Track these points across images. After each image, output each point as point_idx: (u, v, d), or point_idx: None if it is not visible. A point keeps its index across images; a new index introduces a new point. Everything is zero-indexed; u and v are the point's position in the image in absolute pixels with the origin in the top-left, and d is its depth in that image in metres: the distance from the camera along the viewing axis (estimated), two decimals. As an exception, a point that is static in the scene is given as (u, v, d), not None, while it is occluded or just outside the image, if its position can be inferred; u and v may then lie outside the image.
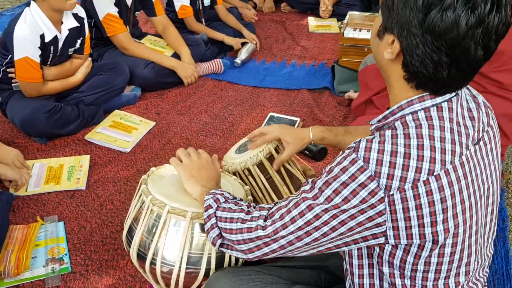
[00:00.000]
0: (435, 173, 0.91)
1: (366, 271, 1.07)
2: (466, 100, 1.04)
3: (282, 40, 3.81)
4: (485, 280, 1.14)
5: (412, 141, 0.93)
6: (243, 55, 3.36)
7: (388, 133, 0.96)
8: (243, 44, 3.43)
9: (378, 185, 0.91)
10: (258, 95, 3.01)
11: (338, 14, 4.17)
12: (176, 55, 3.05)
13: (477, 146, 0.99)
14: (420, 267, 0.98)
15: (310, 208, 0.97)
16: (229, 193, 1.20)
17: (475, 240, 1.01)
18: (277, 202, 1.09)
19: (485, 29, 0.87)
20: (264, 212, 1.06)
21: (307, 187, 1.00)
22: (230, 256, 1.31)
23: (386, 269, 1.02)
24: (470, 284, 1.06)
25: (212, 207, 1.15)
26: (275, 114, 2.74)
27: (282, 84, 3.13)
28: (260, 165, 1.56)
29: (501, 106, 2.12)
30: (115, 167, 2.27)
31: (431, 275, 0.99)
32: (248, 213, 1.09)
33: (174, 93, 2.96)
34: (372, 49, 1.09)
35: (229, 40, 3.41)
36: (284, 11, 4.35)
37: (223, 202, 1.15)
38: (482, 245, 1.06)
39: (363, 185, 0.91)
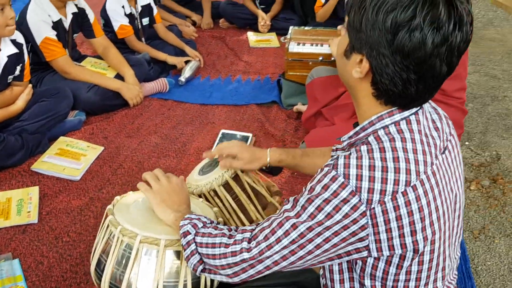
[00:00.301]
0: (411, 184, 0.95)
1: (347, 285, 1.09)
2: (429, 112, 1.09)
3: (224, 56, 3.83)
4: (456, 282, 1.19)
5: (387, 154, 0.96)
6: (187, 72, 3.35)
7: (363, 148, 0.99)
8: (187, 62, 3.42)
9: (359, 200, 0.93)
10: (206, 113, 3.00)
11: (276, 28, 4.25)
12: (119, 76, 2.99)
13: (443, 155, 1.05)
14: (402, 276, 1.01)
15: (294, 227, 0.98)
16: (205, 217, 1.18)
17: (448, 245, 1.06)
18: (258, 223, 1.09)
19: (449, 46, 0.92)
20: (247, 235, 1.06)
21: (289, 206, 1.02)
22: (205, 279, 1.30)
23: (367, 282, 1.05)
24: None
25: (190, 233, 1.13)
26: (227, 131, 2.74)
27: (230, 100, 3.15)
28: (226, 185, 1.56)
29: (445, 112, 2.24)
30: (66, 197, 2.18)
31: (412, 284, 1.03)
32: (230, 236, 1.08)
33: (120, 116, 2.89)
34: (338, 68, 1.12)
35: (172, 59, 3.38)
36: (222, 27, 4.37)
37: (202, 227, 1.14)
38: (452, 249, 1.11)
39: (345, 201, 0.94)
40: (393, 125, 1.01)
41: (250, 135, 2.71)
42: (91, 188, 2.26)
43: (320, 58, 2.88)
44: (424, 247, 0.98)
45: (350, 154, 0.99)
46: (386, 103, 1.02)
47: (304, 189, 1.02)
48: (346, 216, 0.94)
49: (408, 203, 0.94)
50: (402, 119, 1.02)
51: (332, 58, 2.87)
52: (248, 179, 1.60)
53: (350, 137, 1.09)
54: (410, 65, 0.93)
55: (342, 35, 1.10)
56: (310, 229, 0.96)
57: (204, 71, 3.54)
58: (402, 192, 0.94)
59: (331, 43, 2.68)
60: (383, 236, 0.96)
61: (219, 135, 2.71)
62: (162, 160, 2.51)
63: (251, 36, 4.17)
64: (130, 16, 3.31)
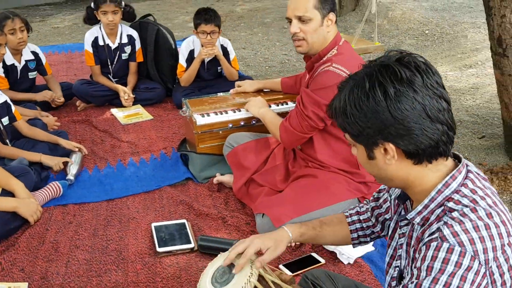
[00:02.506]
0: (511, 233, 1.05)
1: None
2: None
3: (100, 140, 3.52)
4: None
5: (480, 213, 1.04)
6: (73, 168, 2.99)
7: (456, 214, 1.06)
8: (66, 163, 3.03)
9: (479, 263, 0.99)
10: (120, 209, 2.71)
11: (140, 100, 4.07)
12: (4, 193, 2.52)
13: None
14: None
15: None
16: None
17: None
18: None
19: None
20: None
21: None
22: None
23: None
24: None
25: None
26: (158, 223, 2.51)
27: (137, 188, 2.90)
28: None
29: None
30: None
31: None
32: None
33: (25, 238, 2.43)
34: (376, 175, 1.21)
35: (46, 160, 2.97)
36: (81, 109, 4.01)
37: None
38: None
39: (469, 269, 0.98)
40: (462, 187, 1.10)
41: (185, 221, 2.54)
42: None
43: (230, 126, 2.86)
44: None
45: (445, 223, 1.05)
46: (429, 160, 1.11)
47: (419, 271, 1.03)
48: (472, 283, 0.98)
49: None
50: (463, 178, 1.11)
51: (242, 123, 2.88)
52: (269, 276, 1.50)
53: (420, 212, 1.15)
54: (421, 116, 1.07)
55: (355, 150, 1.21)
56: None
57: (88, 162, 3.20)
58: (507, 244, 1.02)
59: (251, 109, 2.73)
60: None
61: (153, 230, 2.46)
62: (105, 277, 2.18)
63: (116, 113, 3.92)
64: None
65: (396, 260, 1.29)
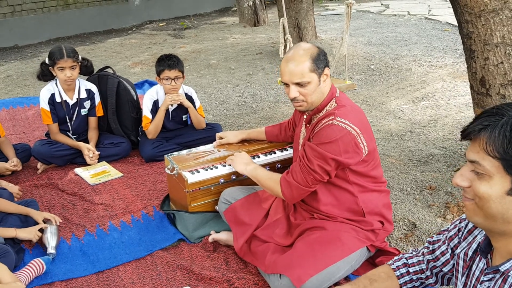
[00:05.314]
0: None
1: None
2: None
3: (71, 205, 3.29)
4: None
5: None
6: (51, 240, 2.77)
7: None
8: (42, 229, 2.81)
9: None
10: (112, 281, 2.53)
11: (105, 156, 3.89)
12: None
13: None
14: None
15: None
16: None
17: None
18: None
19: None
20: None
21: None
22: None
23: None
24: None
25: None
26: (161, 294, 2.37)
27: (126, 256, 2.72)
28: None
29: (380, 198, 2.44)
30: None
31: None
32: None
33: (15, 330, 2.19)
34: (494, 210, 1.18)
35: (23, 234, 2.74)
36: (41, 171, 3.75)
37: None
38: None
39: None
40: None
41: (188, 287, 2.41)
42: None
43: (221, 181, 2.78)
44: None
45: None
46: None
47: None
48: None
49: None
50: None
51: (233, 177, 2.81)
52: None
53: None
54: None
55: (491, 181, 1.17)
56: None
57: (63, 231, 2.97)
58: None
59: (237, 163, 2.65)
60: None
61: (158, 303, 2.31)
62: None
63: (81, 172, 3.71)
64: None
65: None
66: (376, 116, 4.66)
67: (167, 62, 3.71)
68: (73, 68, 3.69)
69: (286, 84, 2.32)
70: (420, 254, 1.61)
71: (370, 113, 4.72)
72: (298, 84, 2.27)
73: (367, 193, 2.40)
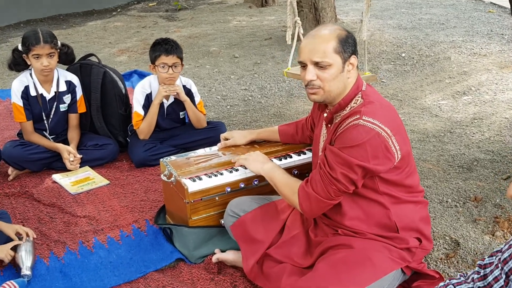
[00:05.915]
0: None
1: None
2: None
3: (48, 218, 3.32)
4: None
5: None
6: (26, 260, 2.77)
7: None
8: (14, 247, 2.82)
9: None
10: (99, 308, 2.55)
11: (88, 160, 3.92)
12: None
13: None
14: None
15: None
16: None
17: None
18: None
19: None
20: None
21: None
22: None
23: None
24: None
25: None
26: (157, 324, 2.38)
27: (113, 278, 2.74)
28: None
29: (416, 211, 2.45)
30: None
31: None
32: None
33: None
34: None
35: None
36: (13, 178, 3.78)
37: None
38: None
39: None
40: None
41: (190, 316, 2.42)
42: None
43: (228, 190, 2.79)
44: None
45: None
46: None
47: None
48: None
49: None
50: None
51: (242, 185, 2.82)
52: None
53: None
54: None
55: None
56: None
57: (40, 248, 2.99)
58: None
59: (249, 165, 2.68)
60: None
61: (154, 334, 2.33)
62: None
63: (60, 179, 3.73)
64: None
65: None
66: (409, 114, 4.68)
67: (164, 47, 3.73)
68: (50, 56, 3.72)
69: (303, 66, 2.33)
70: (469, 280, 1.61)
71: (401, 110, 4.74)
72: (317, 64, 2.27)
73: (400, 205, 2.41)
